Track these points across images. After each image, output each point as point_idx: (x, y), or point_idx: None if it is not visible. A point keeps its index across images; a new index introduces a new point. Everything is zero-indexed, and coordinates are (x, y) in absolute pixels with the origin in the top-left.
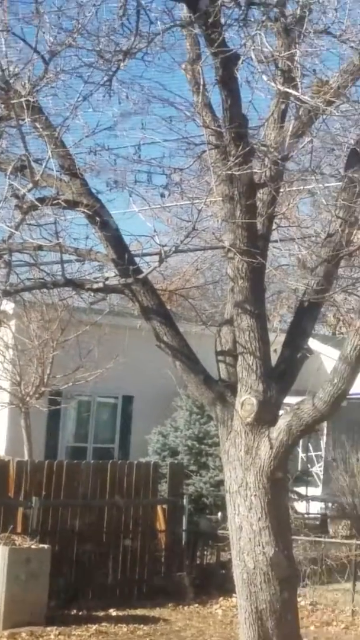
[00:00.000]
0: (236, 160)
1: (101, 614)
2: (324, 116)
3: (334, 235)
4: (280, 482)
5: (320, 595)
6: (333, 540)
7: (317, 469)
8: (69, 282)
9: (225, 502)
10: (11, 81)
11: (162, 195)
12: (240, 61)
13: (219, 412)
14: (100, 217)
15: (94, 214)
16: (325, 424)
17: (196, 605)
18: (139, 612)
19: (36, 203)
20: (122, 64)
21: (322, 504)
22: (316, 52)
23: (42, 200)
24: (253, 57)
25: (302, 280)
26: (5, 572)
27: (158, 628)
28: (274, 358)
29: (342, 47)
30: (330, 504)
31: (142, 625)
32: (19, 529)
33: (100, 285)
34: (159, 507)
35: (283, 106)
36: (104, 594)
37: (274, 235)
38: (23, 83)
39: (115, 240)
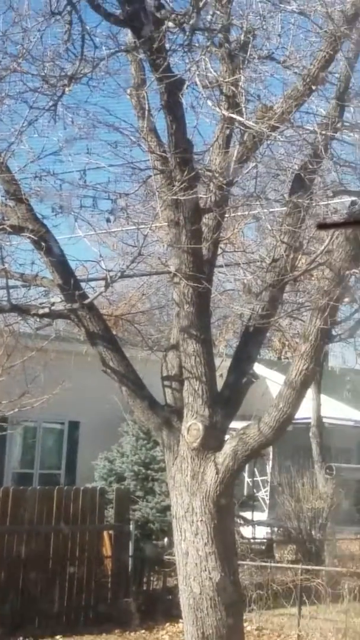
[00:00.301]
0: (181, 186)
1: None
2: (269, 141)
3: (279, 260)
4: (226, 507)
5: (266, 620)
6: (279, 565)
7: (263, 494)
8: (14, 308)
9: (172, 527)
10: None
11: (108, 221)
12: (184, 86)
13: (165, 438)
14: (45, 243)
15: (40, 239)
16: (271, 448)
17: (143, 631)
18: (86, 638)
19: None
20: (67, 89)
21: (268, 529)
22: (260, 77)
23: None
24: (198, 82)
25: (247, 305)
26: None
27: None
28: (220, 383)
29: (286, 72)
30: (276, 529)
31: None
32: None
33: (46, 310)
34: (105, 533)
35: (228, 131)
36: (50, 621)
37: (220, 260)
38: None
39: (61, 265)
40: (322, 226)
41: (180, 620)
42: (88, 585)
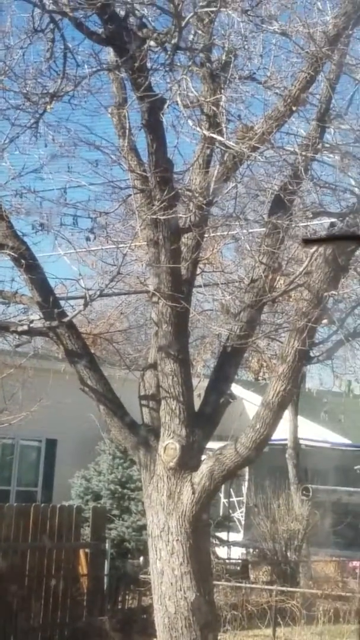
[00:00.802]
0: (161, 205)
1: None
2: (249, 162)
3: (258, 280)
4: (202, 527)
5: None
6: (254, 585)
7: (239, 515)
8: None
9: (148, 546)
10: None
11: (88, 239)
12: (165, 106)
13: (142, 457)
14: (25, 260)
15: (20, 256)
16: (247, 469)
17: None
18: None
19: None
20: (48, 107)
21: (243, 550)
22: (241, 97)
23: None
24: (179, 101)
25: (225, 325)
26: None
27: None
28: (197, 403)
29: (267, 93)
30: (251, 550)
31: None
32: None
33: (25, 328)
34: (81, 551)
35: (208, 151)
36: (27, 637)
37: (198, 280)
38: None
39: (41, 283)
40: (306, 242)
41: (155, 639)
42: (64, 603)
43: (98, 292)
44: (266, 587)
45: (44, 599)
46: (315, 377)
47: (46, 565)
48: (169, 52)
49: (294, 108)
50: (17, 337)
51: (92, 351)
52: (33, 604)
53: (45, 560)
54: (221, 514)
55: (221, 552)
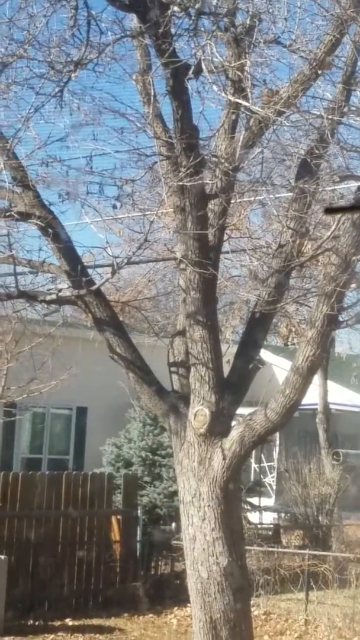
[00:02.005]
0: (187, 172)
1: (57, 624)
2: (275, 126)
3: (285, 246)
4: (233, 492)
5: (273, 604)
6: (286, 550)
7: (270, 480)
8: (22, 294)
9: (179, 512)
10: None
11: (114, 207)
12: (190, 71)
13: (172, 424)
14: (52, 229)
15: (47, 225)
16: (277, 434)
17: (151, 615)
18: (95, 622)
19: None
20: (73, 75)
21: (275, 515)
22: (266, 62)
23: None
24: (203, 67)
25: (253, 291)
26: None
27: (114, 637)
28: (227, 369)
29: (292, 57)
30: (283, 514)
31: (98, 635)
32: None
33: (54, 297)
34: (113, 518)
35: (234, 117)
36: (60, 604)
37: (226, 246)
38: None
39: (68, 252)
40: (329, 210)
41: (188, 605)
42: (97, 570)
43: (125, 260)
44: (298, 551)
45: (77, 566)
46: (345, 342)
47: (78, 533)
48: (192, 17)
49: (319, 71)
50: (45, 306)
51: (121, 319)
52: (66, 571)
53: (77, 528)
54: (252, 479)
55: (253, 517)
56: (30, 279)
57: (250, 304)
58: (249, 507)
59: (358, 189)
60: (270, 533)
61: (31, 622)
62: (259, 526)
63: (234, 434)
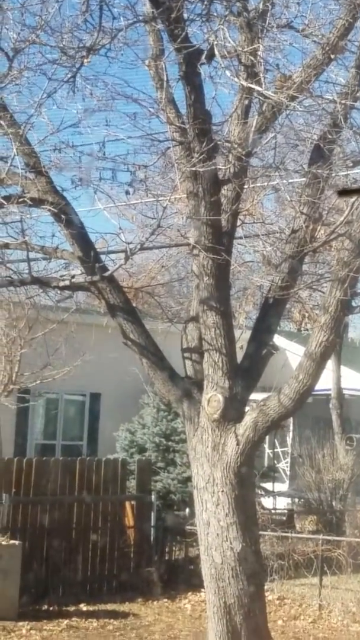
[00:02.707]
0: (200, 157)
1: (72, 609)
2: (288, 111)
3: (298, 231)
4: (247, 477)
5: (287, 589)
6: (300, 535)
7: (284, 465)
8: (35, 280)
9: (193, 498)
10: None
11: (127, 193)
12: (203, 56)
13: (186, 409)
14: (65, 215)
15: (60, 211)
16: (291, 420)
17: (165, 600)
18: (109, 607)
19: (2, 201)
20: (85, 61)
21: (288, 500)
22: (279, 46)
23: (7, 198)
24: (216, 52)
25: (267, 276)
26: None
27: (128, 623)
28: (240, 355)
29: (305, 41)
30: (296, 500)
31: (112, 620)
32: None
33: (67, 283)
34: (127, 504)
35: (246, 102)
36: (74, 589)
37: (239, 232)
38: None
39: (81, 238)
40: (343, 194)
41: (202, 590)
42: (111, 555)
43: (138, 246)
44: (312, 536)
45: (91, 551)
46: (358, 327)
47: (93, 518)
48: (205, 2)
49: (332, 56)
50: (59, 292)
51: (134, 305)
52: (80, 556)
53: (91, 513)
54: (266, 464)
55: (267, 502)
56: (43, 265)
57: (264, 290)
58: (262, 493)
59: None
60: (284, 518)
61: (45, 607)
62: (272, 511)
63: (248, 419)
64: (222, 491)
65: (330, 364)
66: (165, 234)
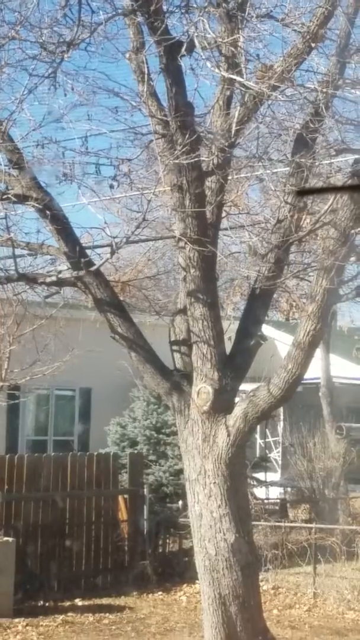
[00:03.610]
0: (183, 149)
1: (67, 604)
2: (269, 101)
3: (284, 221)
4: (238, 469)
5: (282, 579)
6: (293, 524)
7: (275, 455)
8: (22, 277)
9: (185, 490)
10: None
11: (111, 187)
12: (183, 48)
13: (176, 402)
14: (50, 211)
15: (44, 207)
16: (281, 409)
17: (160, 592)
18: (105, 601)
19: None
20: (66, 55)
21: (281, 489)
22: (259, 36)
23: None
24: (196, 43)
25: (253, 267)
26: None
27: (124, 616)
28: (228, 346)
29: (285, 30)
30: (289, 489)
31: (107, 614)
32: None
33: (53, 278)
34: (120, 497)
35: (228, 93)
36: (69, 585)
37: (224, 223)
38: None
39: (66, 233)
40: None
41: (197, 582)
42: (105, 549)
43: (124, 240)
44: (305, 525)
45: (85, 546)
46: (346, 315)
47: (86, 513)
48: None
49: (313, 45)
50: (46, 288)
51: (122, 299)
52: (74, 551)
53: (84, 508)
54: (258, 454)
55: (259, 492)
56: (29, 261)
57: (251, 280)
58: (255, 483)
59: (355, 161)
60: (277, 508)
61: (41, 603)
62: (265, 501)
63: (238, 410)
64: (214, 483)
65: (318, 352)
66: (151, 227)
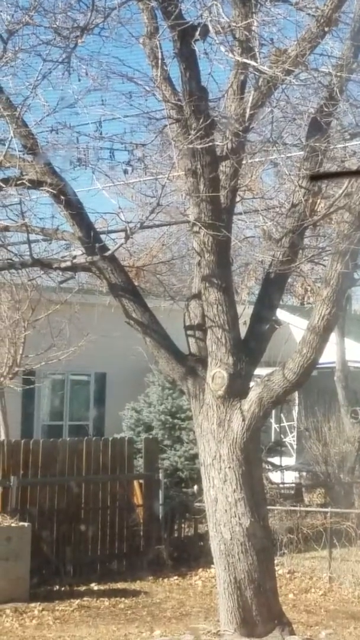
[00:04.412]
0: (197, 134)
1: (83, 588)
2: (284, 86)
3: (298, 205)
4: (253, 453)
5: (297, 563)
6: (308, 508)
7: (290, 439)
8: (37, 262)
9: (201, 475)
10: None
11: (125, 172)
12: (197, 33)
13: (191, 387)
14: (64, 196)
15: (59, 192)
16: (296, 394)
17: (176, 577)
18: (120, 585)
19: (0, 184)
20: (79, 41)
21: (296, 474)
22: (273, 21)
23: (6, 180)
24: (210, 28)
25: (268, 251)
26: None
27: (139, 601)
28: (243, 331)
29: (299, 14)
30: (304, 473)
31: (123, 599)
32: None
33: (68, 264)
34: (135, 482)
35: (242, 77)
36: (84, 569)
37: (238, 208)
38: None
39: (81, 218)
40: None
41: (212, 566)
42: (120, 534)
43: (139, 225)
44: (320, 509)
45: (100, 531)
46: None
47: (101, 498)
48: None
49: (326, 28)
50: (60, 273)
51: (136, 283)
52: (90, 536)
53: (100, 493)
54: (273, 439)
55: (274, 477)
56: (44, 246)
57: (265, 265)
58: (270, 467)
59: None
60: (292, 492)
61: (57, 587)
62: (280, 485)
63: (253, 395)
64: (229, 467)
65: (333, 336)
66: (165, 212)
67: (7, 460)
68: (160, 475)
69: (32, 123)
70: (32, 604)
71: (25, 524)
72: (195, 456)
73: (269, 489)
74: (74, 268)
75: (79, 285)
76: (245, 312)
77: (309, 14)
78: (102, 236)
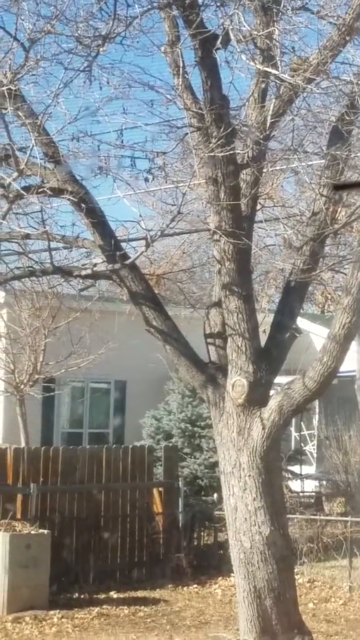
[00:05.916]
0: (218, 142)
1: (102, 596)
2: (305, 94)
3: (319, 213)
4: (273, 461)
5: (317, 572)
6: (328, 517)
7: (311, 448)
8: (57, 270)
9: (220, 483)
10: None
11: (146, 180)
12: (218, 41)
13: (211, 395)
14: (85, 204)
15: (80, 200)
16: (317, 402)
17: (195, 585)
18: (140, 593)
19: (22, 192)
20: (101, 49)
21: (316, 482)
22: (295, 29)
23: (27, 188)
24: (232, 36)
25: (288, 260)
26: (7, 558)
27: (159, 609)
28: (263, 339)
29: (320, 23)
30: (324, 482)
31: (143, 607)
32: (18, 515)
33: (89, 272)
34: (155, 490)
35: (263, 85)
36: (104, 577)
37: (259, 216)
38: (4, 72)
39: (102, 226)
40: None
41: (232, 575)
42: (140, 542)
43: (159, 233)
44: (341, 518)
45: (120, 539)
46: None
47: (121, 506)
48: None
49: (348, 37)
50: (81, 281)
51: (156, 291)
52: (110, 544)
53: (119, 501)
54: (293, 447)
55: (294, 485)
56: (64, 254)
57: (286, 273)
58: (290, 476)
59: None
60: (312, 501)
61: (76, 595)
62: (300, 494)
63: (273, 403)
64: (249, 476)
65: (354, 345)
66: (186, 220)
67: (27, 468)
68: (180, 483)
69: (53, 131)
70: (52, 612)
71: (45, 531)
72: (215, 464)
73: (288, 498)
74: (95, 276)
75: (99, 293)
76: (265, 320)
77: (330, 23)
78: (123, 244)
